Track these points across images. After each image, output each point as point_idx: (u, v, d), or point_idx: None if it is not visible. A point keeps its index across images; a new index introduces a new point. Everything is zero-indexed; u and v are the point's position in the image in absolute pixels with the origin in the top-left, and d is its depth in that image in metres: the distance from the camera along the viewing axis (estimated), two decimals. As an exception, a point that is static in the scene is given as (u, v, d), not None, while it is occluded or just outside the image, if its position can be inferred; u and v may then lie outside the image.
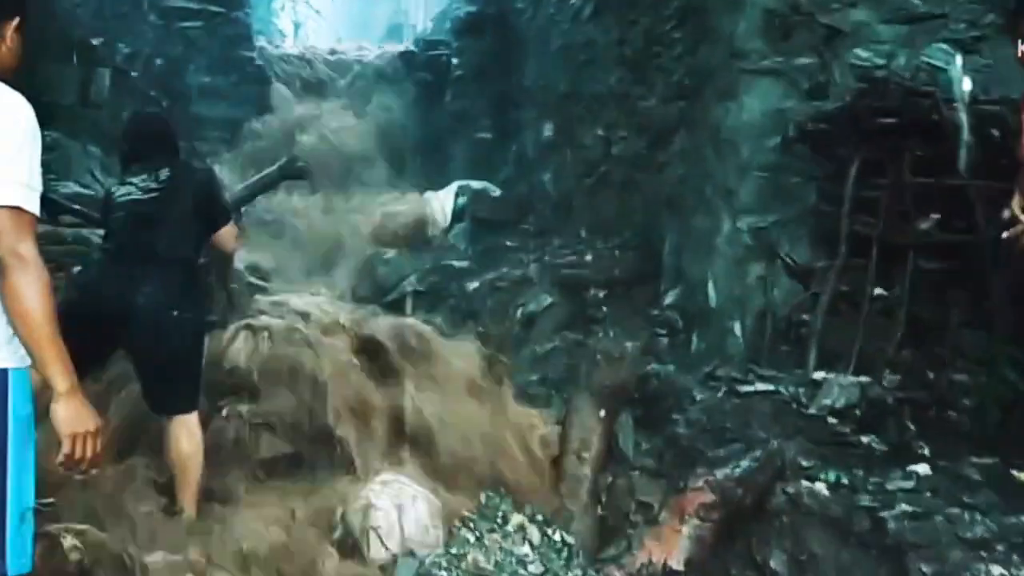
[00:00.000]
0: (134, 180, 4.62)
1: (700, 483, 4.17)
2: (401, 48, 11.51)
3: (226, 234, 4.84)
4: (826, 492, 3.99)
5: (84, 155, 6.77)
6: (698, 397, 5.14)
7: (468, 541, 3.80)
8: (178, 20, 9.97)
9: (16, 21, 2.69)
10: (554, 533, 3.91)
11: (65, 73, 7.61)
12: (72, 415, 2.49)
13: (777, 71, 5.72)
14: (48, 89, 7.37)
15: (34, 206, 2.47)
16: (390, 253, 7.69)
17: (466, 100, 9.79)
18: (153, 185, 4.55)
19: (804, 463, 4.23)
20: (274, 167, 6.70)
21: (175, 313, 4.39)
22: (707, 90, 6.13)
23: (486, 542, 3.77)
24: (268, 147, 9.27)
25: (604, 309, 6.47)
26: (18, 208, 2.42)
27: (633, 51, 7.13)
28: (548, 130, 8.44)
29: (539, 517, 4.02)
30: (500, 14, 9.76)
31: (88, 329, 4.33)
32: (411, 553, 3.94)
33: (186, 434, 4.47)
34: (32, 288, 2.42)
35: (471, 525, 3.91)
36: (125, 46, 9.32)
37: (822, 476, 4.09)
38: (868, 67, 5.53)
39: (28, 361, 2.54)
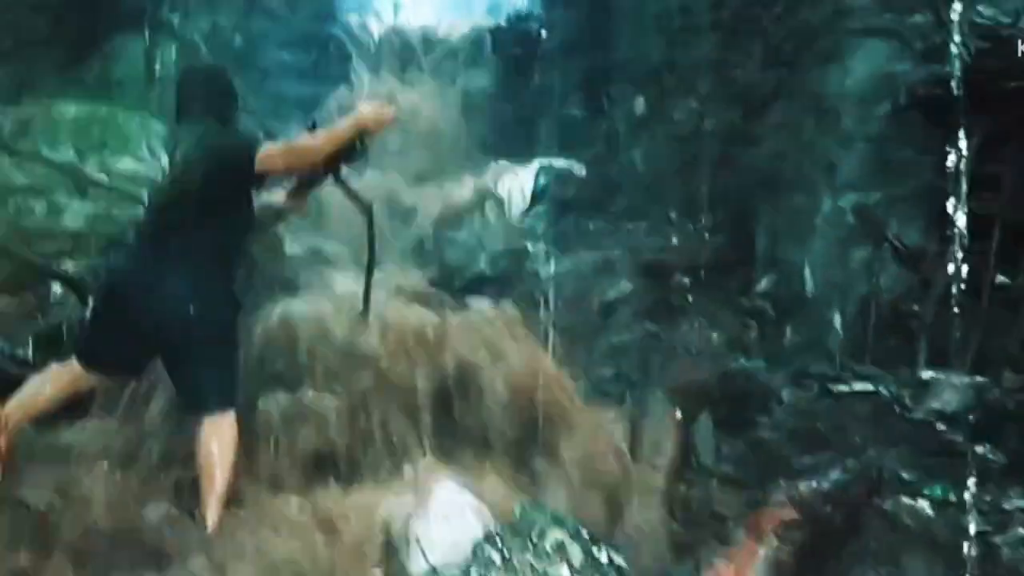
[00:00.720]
0: (177, 150, 4.30)
1: (782, 497, 3.68)
2: (491, 24, 11.12)
3: (270, 155, 4.32)
4: (930, 511, 3.60)
5: (142, 130, 6.52)
6: (787, 397, 4.65)
7: (493, 563, 3.32)
8: (260, -5, 9.77)
9: None
10: (600, 552, 3.40)
11: (130, 46, 7.41)
12: None
13: (887, 30, 5.21)
14: (111, 62, 7.20)
15: None
16: (462, 235, 7.30)
17: (555, 75, 9.31)
18: (194, 152, 4.23)
19: (905, 476, 3.80)
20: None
21: (208, 295, 4.14)
22: (808, 54, 5.67)
23: (515, 563, 3.28)
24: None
25: (689, 297, 5.96)
26: None
27: (730, 14, 6.60)
28: (640, 105, 7.94)
29: (584, 533, 3.50)
30: (594, -18, 9.29)
31: (121, 321, 4.13)
32: (433, 570, 3.50)
33: (217, 435, 4.16)
34: None
35: (498, 542, 3.42)
36: (204, 22, 9.15)
37: (926, 492, 3.69)
38: (991, 25, 4.90)
39: None
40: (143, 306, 4.09)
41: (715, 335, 5.53)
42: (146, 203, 4.45)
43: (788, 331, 5.39)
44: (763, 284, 5.70)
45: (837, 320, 5.12)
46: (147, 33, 7.79)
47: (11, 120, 6.16)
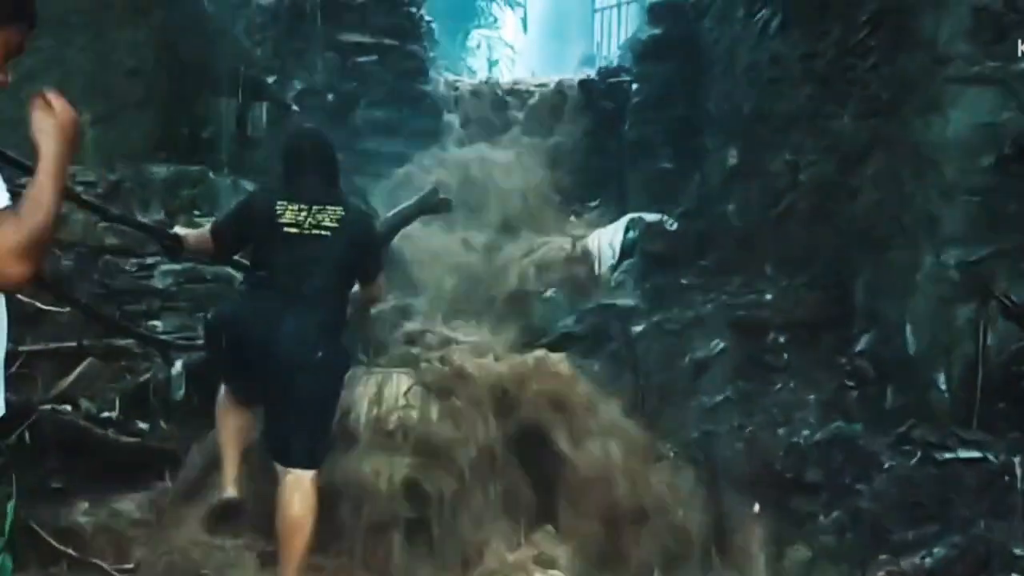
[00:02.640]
0: (299, 210, 4.32)
1: (882, 573, 3.46)
2: (581, 77, 11.09)
3: (378, 286, 4.82)
4: (1045, 591, 3.23)
5: (233, 189, 6.59)
6: (888, 464, 4.42)
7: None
8: (354, 55, 9.90)
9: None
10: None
11: (221, 107, 7.51)
12: None
13: (989, 79, 5.00)
14: (203, 123, 7.31)
15: None
16: (549, 291, 7.19)
17: (646, 128, 9.23)
18: (325, 223, 4.34)
19: (1018, 552, 3.63)
20: (413, 200, 6.38)
21: (320, 355, 4.19)
22: (906, 104, 5.43)
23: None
24: (437, 182, 9.00)
25: (785, 356, 5.75)
26: None
27: (823, 64, 6.42)
28: (732, 157, 7.78)
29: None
30: (684, 36, 9.17)
31: (239, 364, 4.26)
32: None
33: (300, 495, 4.13)
34: None
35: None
36: (299, 82, 9.30)
37: (1040, 569, 3.33)
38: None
39: None
40: (267, 350, 4.10)
41: (812, 396, 5.31)
42: (256, 249, 4.46)
43: (889, 393, 5.14)
44: (862, 343, 5.45)
45: (942, 382, 4.87)
46: (240, 94, 7.89)
47: (104, 182, 6.26)
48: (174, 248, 4.81)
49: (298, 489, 4.10)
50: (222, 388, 4.47)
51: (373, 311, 5.73)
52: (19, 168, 2.99)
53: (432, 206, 6.39)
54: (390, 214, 6.43)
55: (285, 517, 4.09)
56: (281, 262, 4.27)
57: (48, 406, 4.84)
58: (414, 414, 5.06)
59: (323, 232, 4.31)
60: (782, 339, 5.87)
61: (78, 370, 5.28)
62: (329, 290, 4.33)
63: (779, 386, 5.56)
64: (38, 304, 5.23)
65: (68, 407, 4.98)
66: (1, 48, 2.19)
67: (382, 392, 5.18)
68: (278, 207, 4.32)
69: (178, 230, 4.92)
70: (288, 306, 4.18)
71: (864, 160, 5.85)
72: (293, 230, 4.29)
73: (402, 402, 5.10)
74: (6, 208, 1.92)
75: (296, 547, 4.06)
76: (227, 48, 8.24)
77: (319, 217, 4.33)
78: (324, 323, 4.26)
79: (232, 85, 7.85)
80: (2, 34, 2.20)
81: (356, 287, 4.65)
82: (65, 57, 6.24)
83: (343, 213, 4.40)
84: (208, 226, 4.65)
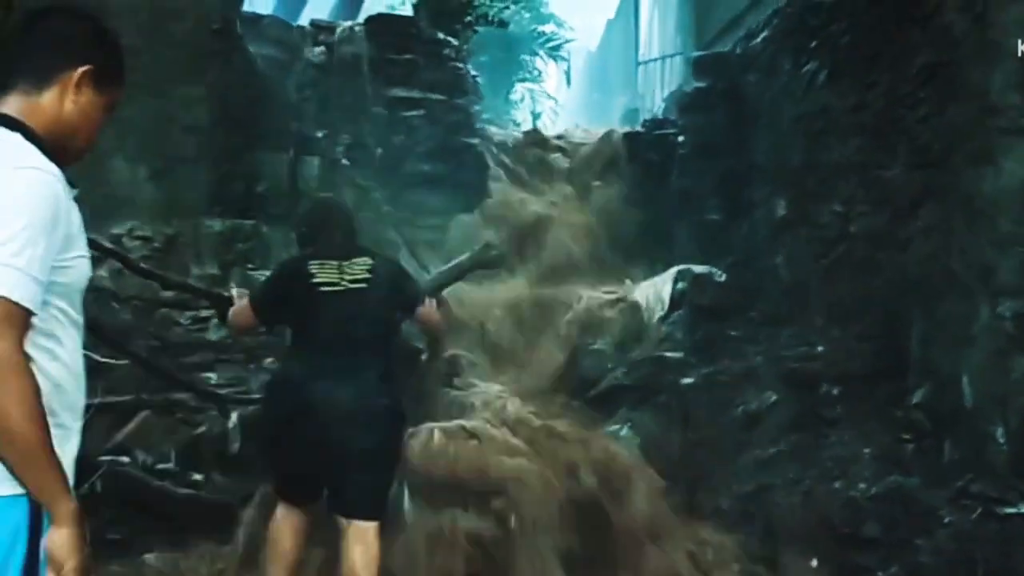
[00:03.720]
0: (331, 268, 4.38)
1: None
2: (626, 129, 11.10)
3: (428, 311, 4.81)
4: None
5: (285, 243, 6.64)
6: (947, 519, 4.32)
7: None
8: (402, 109, 9.98)
9: (82, 71, 2.29)
10: None
11: (274, 162, 7.61)
12: (71, 544, 2.03)
13: None
14: (256, 178, 7.40)
15: (27, 298, 1.98)
16: (597, 343, 7.14)
17: (692, 179, 9.21)
18: (358, 275, 4.39)
19: None
20: (466, 255, 6.39)
21: (382, 404, 4.24)
22: (957, 155, 5.37)
23: None
24: (480, 235, 9.04)
25: (838, 408, 5.67)
26: (5, 299, 1.95)
27: (872, 115, 6.38)
28: (781, 208, 7.75)
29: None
30: (729, 88, 9.19)
31: (291, 438, 4.22)
32: None
33: (362, 547, 4.11)
34: (9, 398, 1.94)
35: None
36: (348, 136, 9.39)
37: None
38: None
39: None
40: (328, 407, 4.09)
41: (867, 450, 5.22)
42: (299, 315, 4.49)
43: (947, 446, 5.03)
44: (918, 395, 5.36)
45: (1000, 434, 4.75)
46: (291, 149, 8.00)
47: (161, 237, 6.35)
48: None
49: (361, 541, 4.08)
50: (278, 510, 4.41)
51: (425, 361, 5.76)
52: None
53: (486, 261, 6.39)
54: (444, 267, 6.47)
55: (349, 570, 4.08)
56: (324, 321, 4.28)
57: (107, 457, 4.88)
58: (468, 467, 5.04)
59: (359, 285, 4.35)
60: (835, 391, 5.80)
61: (135, 422, 5.33)
62: (377, 340, 4.36)
63: (833, 439, 5.47)
64: (96, 357, 5.28)
65: (126, 459, 5.03)
66: (111, 105, 2.36)
67: (436, 444, 5.17)
68: (311, 268, 4.36)
69: (234, 291, 4.97)
70: (340, 361, 4.19)
71: (915, 211, 5.79)
72: (329, 288, 4.31)
73: (457, 454, 5.09)
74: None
75: None
76: (278, 104, 8.39)
77: (351, 271, 4.38)
78: (379, 373, 4.28)
79: (283, 140, 7.97)
80: (116, 92, 2.33)
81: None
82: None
83: (372, 262, 4.46)
84: (246, 300, 4.67)
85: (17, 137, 2.14)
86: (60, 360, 2.15)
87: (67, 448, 2.16)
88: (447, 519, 4.79)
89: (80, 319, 2.26)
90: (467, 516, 4.86)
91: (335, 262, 4.40)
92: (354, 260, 4.44)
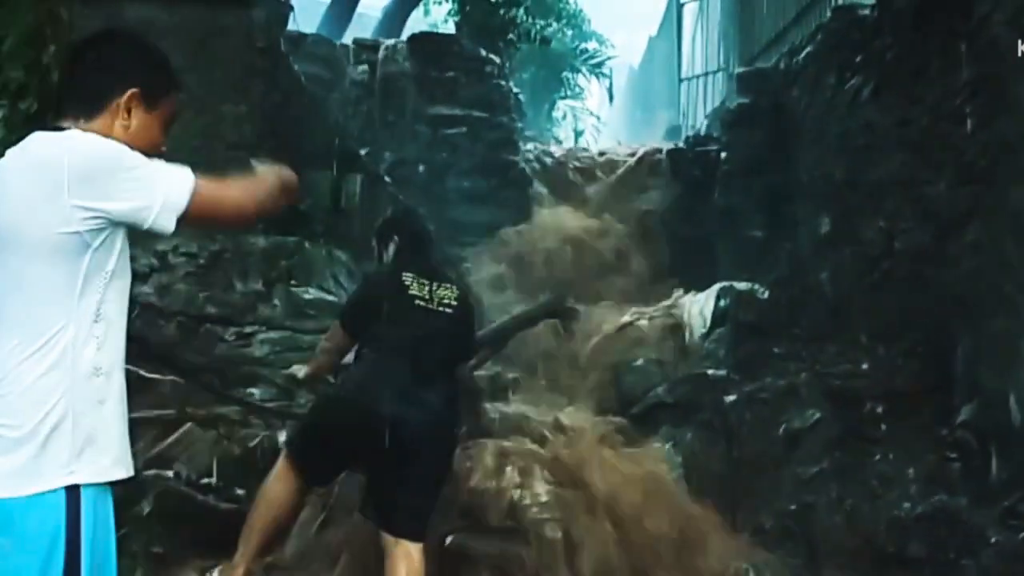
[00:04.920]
0: (423, 285, 4.43)
1: None
2: (669, 145, 11.09)
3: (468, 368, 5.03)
4: None
5: (329, 260, 6.70)
6: (994, 539, 4.26)
7: None
8: (444, 127, 10.06)
9: (129, 94, 2.33)
10: None
11: (317, 179, 7.67)
12: None
13: None
14: (300, 195, 7.45)
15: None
16: (639, 361, 7.11)
17: (735, 196, 9.17)
18: (447, 300, 4.46)
19: None
20: (540, 303, 6.33)
21: (450, 425, 4.34)
22: (1004, 170, 5.29)
23: None
24: (523, 252, 9.05)
25: (883, 427, 5.59)
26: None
27: (918, 131, 6.32)
28: (825, 225, 7.69)
29: None
30: (773, 104, 9.15)
31: (340, 437, 4.28)
32: None
33: (409, 566, 4.07)
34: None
35: None
36: (391, 154, 9.46)
37: None
38: None
39: (107, 476, 2.15)
40: (397, 418, 4.08)
41: (912, 469, 5.15)
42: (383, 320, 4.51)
43: (993, 465, 4.94)
44: (964, 413, 5.28)
45: (1049, 453, 4.69)
46: (335, 166, 8.05)
47: (206, 253, 6.41)
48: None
49: (408, 561, 4.08)
50: (281, 462, 4.37)
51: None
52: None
53: (559, 311, 6.29)
54: (515, 313, 6.45)
55: None
56: (411, 333, 4.28)
57: (152, 471, 4.92)
58: (524, 493, 5.02)
59: (447, 309, 4.41)
60: (880, 409, 5.72)
61: (176, 435, 5.37)
62: (452, 364, 4.48)
63: (877, 457, 5.40)
64: (141, 372, 5.33)
65: (170, 473, 5.06)
66: (168, 117, 2.47)
67: (482, 466, 5.16)
68: (405, 279, 4.41)
69: (295, 370, 5.05)
70: (418, 376, 4.21)
71: (962, 227, 5.72)
72: (421, 303, 4.36)
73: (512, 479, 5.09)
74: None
75: None
76: (322, 122, 8.47)
77: (441, 293, 4.44)
78: (450, 395, 4.35)
79: (327, 158, 8.03)
80: (168, 104, 2.39)
81: None
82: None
83: (458, 292, 4.54)
84: (332, 330, 4.70)
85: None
86: (104, 351, 2.21)
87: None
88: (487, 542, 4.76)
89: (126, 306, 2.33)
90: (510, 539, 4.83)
91: (427, 281, 4.46)
92: (444, 284, 4.51)
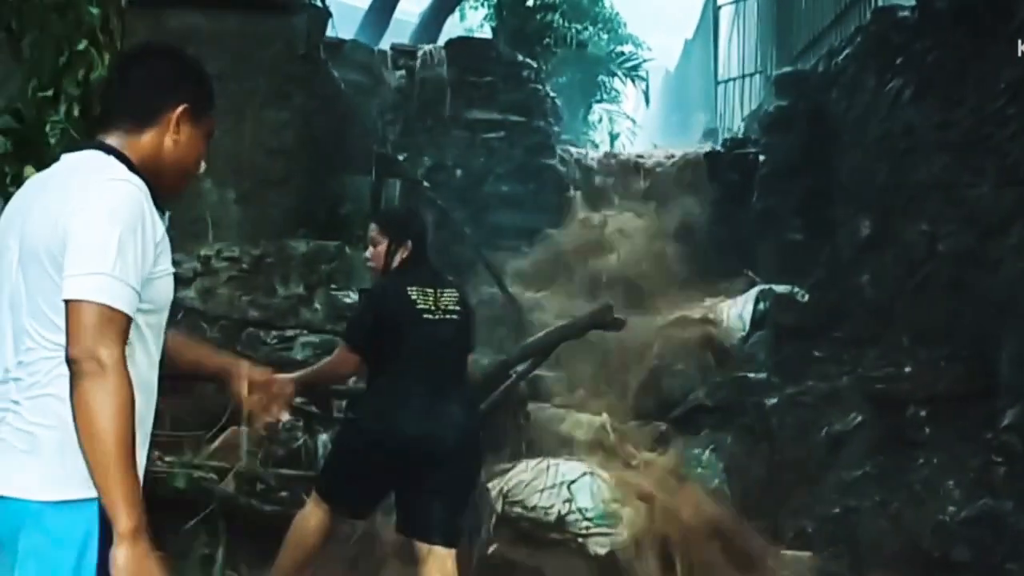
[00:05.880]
0: (427, 295, 4.37)
1: None
2: (706, 148, 11.05)
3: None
4: None
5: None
6: (1041, 543, 4.19)
7: None
8: (481, 132, 10.10)
9: (181, 109, 2.37)
10: None
11: (357, 184, 7.72)
12: (133, 565, 2.04)
13: None
14: (340, 200, 7.51)
15: (126, 305, 2.06)
16: (679, 364, 7.09)
17: (774, 199, 9.13)
18: (451, 306, 4.36)
19: None
20: (585, 313, 6.24)
21: (470, 432, 4.28)
22: None
23: None
24: (560, 256, 9.05)
25: (926, 430, 5.55)
26: (105, 306, 2.04)
27: (959, 133, 6.28)
28: (865, 227, 7.64)
29: None
30: (811, 107, 9.10)
31: (377, 462, 4.19)
32: None
33: (441, 571, 4.06)
34: (107, 402, 1.98)
35: None
36: (429, 159, 9.51)
37: None
38: None
39: None
40: (423, 431, 4.09)
41: (956, 473, 5.11)
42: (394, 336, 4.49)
43: (1039, 469, 4.92)
44: (1008, 417, 5.22)
45: (1096, 457, 4.65)
46: (374, 171, 8.10)
47: (248, 258, 6.47)
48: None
49: (441, 567, 4.07)
50: (310, 507, 4.32)
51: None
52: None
53: (605, 322, 6.19)
54: (560, 324, 6.35)
55: None
56: (422, 346, 4.24)
57: (197, 474, 4.96)
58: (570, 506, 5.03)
59: (452, 315, 4.33)
60: (923, 413, 5.67)
61: (221, 438, 5.42)
62: (464, 369, 4.43)
63: (921, 461, 5.37)
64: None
65: (214, 476, 5.10)
66: (209, 132, 2.44)
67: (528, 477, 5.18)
68: (410, 292, 4.30)
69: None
70: (433, 389, 4.19)
71: (1005, 230, 5.69)
72: (428, 315, 4.29)
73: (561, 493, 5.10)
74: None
75: None
76: (361, 127, 8.52)
77: (445, 301, 4.35)
78: (466, 396, 4.36)
79: (366, 163, 8.08)
80: (209, 121, 2.42)
81: None
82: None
83: (458, 295, 4.45)
84: (336, 354, 4.57)
85: (111, 158, 2.23)
86: (131, 372, 2.16)
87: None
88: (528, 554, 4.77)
89: (161, 337, 2.30)
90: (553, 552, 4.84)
91: (431, 290, 4.35)
92: (446, 290, 4.42)
